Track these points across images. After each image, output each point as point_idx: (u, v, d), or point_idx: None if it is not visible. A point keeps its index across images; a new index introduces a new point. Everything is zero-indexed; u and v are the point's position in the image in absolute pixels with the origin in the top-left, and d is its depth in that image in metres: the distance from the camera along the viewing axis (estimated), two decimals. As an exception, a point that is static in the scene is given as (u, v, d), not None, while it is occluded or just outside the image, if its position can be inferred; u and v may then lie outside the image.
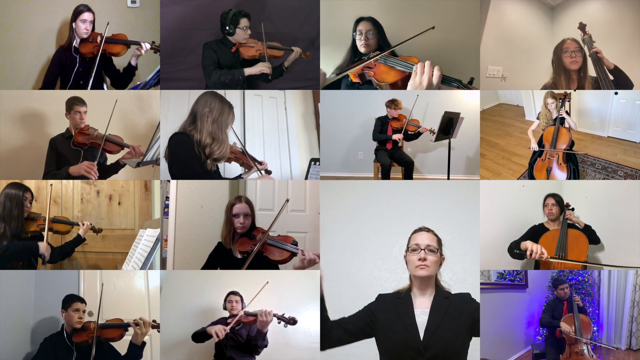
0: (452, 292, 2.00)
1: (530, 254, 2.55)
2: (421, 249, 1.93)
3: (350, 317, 2.01)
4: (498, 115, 5.05)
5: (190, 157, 2.50)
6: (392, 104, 3.88)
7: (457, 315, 1.91)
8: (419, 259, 1.92)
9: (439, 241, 2.00)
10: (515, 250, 2.76)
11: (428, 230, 2.02)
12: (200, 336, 2.66)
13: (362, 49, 3.03)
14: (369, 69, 2.79)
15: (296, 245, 2.57)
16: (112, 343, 2.72)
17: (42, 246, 2.83)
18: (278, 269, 2.69)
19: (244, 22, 3.13)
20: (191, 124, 2.56)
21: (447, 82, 2.48)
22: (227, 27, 3.11)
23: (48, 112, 3.26)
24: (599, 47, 3.01)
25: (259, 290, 2.69)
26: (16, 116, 3.23)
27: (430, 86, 2.44)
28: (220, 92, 3.16)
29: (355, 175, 4.49)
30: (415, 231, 2.03)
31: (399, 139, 3.83)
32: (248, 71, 3.09)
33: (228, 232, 2.68)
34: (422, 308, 1.94)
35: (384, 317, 1.96)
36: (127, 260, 3.09)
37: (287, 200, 2.63)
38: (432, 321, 1.90)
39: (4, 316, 2.82)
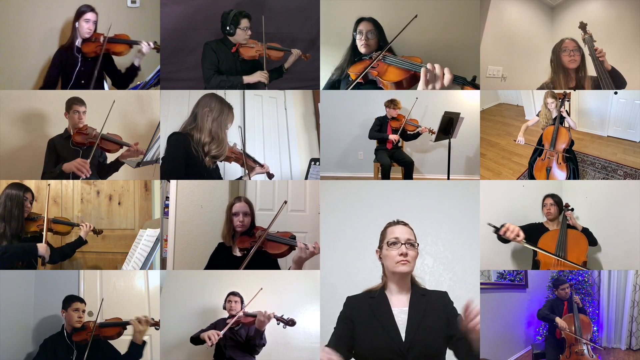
0: (428, 289, 1.92)
1: (505, 231, 2.43)
2: (402, 244, 1.82)
3: (336, 340, 1.83)
4: (498, 115, 5.05)
5: (184, 156, 2.54)
6: (391, 103, 3.88)
7: (436, 313, 1.81)
8: (400, 254, 1.81)
9: (415, 235, 1.90)
10: (491, 225, 2.57)
11: (405, 224, 1.92)
12: (197, 339, 2.67)
13: (362, 49, 3.02)
14: (372, 69, 2.80)
15: (294, 239, 2.58)
16: (110, 341, 2.73)
17: (41, 248, 2.81)
18: (278, 266, 2.70)
19: (244, 22, 3.13)
20: (192, 124, 2.64)
21: (454, 80, 2.49)
22: (228, 28, 3.11)
23: (49, 112, 3.26)
24: (599, 46, 3.01)
25: (254, 296, 2.71)
26: (17, 116, 3.23)
27: (442, 88, 2.45)
28: (221, 92, 3.17)
29: (355, 175, 4.49)
30: (391, 224, 1.92)
31: (395, 139, 3.81)
32: (247, 79, 3.12)
33: (228, 230, 2.70)
34: (400, 307, 1.84)
35: (359, 321, 1.83)
36: (127, 260, 3.09)
37: (285, 202, 2.63)
38: (412, 320, 1.79)
39: (4, 316, 2.82)
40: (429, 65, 2.47)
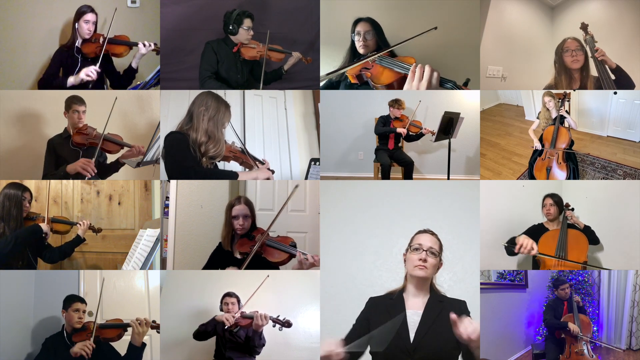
0: (448, 297, 1.99)
1: (520, 248, 2.51)
2: (423, 250, 1.94)
3: (353, 337, 1.91)
4: (498, 115, 5.05)
5: (184, 155, 2.50)
6: (396, 103, 3.88)
7: (449, 320, 1.86)
8: (420, 259, 1.93)
9: (441, 246, 2.02)
10: (506, 244, 2.70)
11: (432, 233, 2.04)
12: (203, 334, 2.66)
13: (361, 50, 3.02)
14: (366, 70, 2.79)
15: (295, 246, 2.57)
16: (111, 343, 2.72)
17: (44, 226, 2.84)
18: (278, 269, 2.69)
19: (247, 22, 3.13)
20: (188, 123, 2.58)
21: (441, 84, 2.49)
22: (231, 27, 3.11)
23: (47, 112, 3.26)
24: (599, 47, 3.00)
25: (260, 284, 2.68)
26: (16, 116, 3.23)
27: (428, 89, 2.45)
28: (220, 92, 3.17)
29: (355, 175, 4.49)
30: (420, 232, 2.04)
31: (403, 132, 3.79)
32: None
33: (227, 233, 2.69)
34: (414, 309, 1.94)
35: (376, 319, 1.94)
36: (127, 260, 3.09)
37: (297, 186, 2.60)
38: (424, 323, 1.89)
39: (4, 316, 2.81)
40: (418, 68, 2.47)
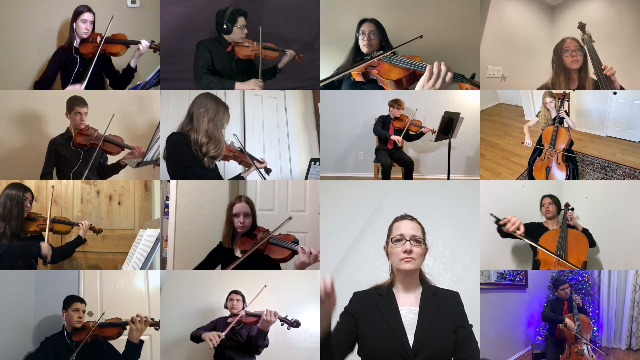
0: (439, 287, 1.83)
1: (506, 223, 2.43)
2: (406, 240, 1.74)
3: (337, 334, 1.74)
4: (498, 116, 5.06)
5: (187, 156, 2.54)
6: (395, 103, 3.89)
7: (446, 316, 1.73)
8: (404, 251, 1.73)
9: (423, 231, 1.82)
10: (493, 215, 2.55)
11: (412, 218, 1.84)
12: (198, 338, 2.66)
13: (364, 49, 3.05)
14: (372, 68, 2.81)
15: (297, 243, 2.57)
16: (110, 342, 2.72)
17: (44, 247, 2.83)
18: (279, 266, 2.69)
19: (241, 20, 3.09)
20: (188, 125, 2.63)
21: (454, 78, 2.50)
22: (225, 25, 3.06)
23: (48, 112, 3.26)
24: (598, 47, 2.99)
25: (257, 294, 2.69)
26: (16, 116, 3.23)
27: (442, 87, 2.46)
28: (220, 92, 3.17)
29: (355, 175, 4.49)
30: (398, 219, 1.85)
31: (398, 140, 3.81)
32: (239, 86, 3.06)
33: (227, 231, 2.70)
34: (407, 306, 1.75)
35: (364, 318, 1.75)
36: (127, 260, 3.08)
37: (290, 218, 2.59)
38: (422, 322, 1.70)
39: (4, 316, 2.81)
40: (435, 67, 2.47)
